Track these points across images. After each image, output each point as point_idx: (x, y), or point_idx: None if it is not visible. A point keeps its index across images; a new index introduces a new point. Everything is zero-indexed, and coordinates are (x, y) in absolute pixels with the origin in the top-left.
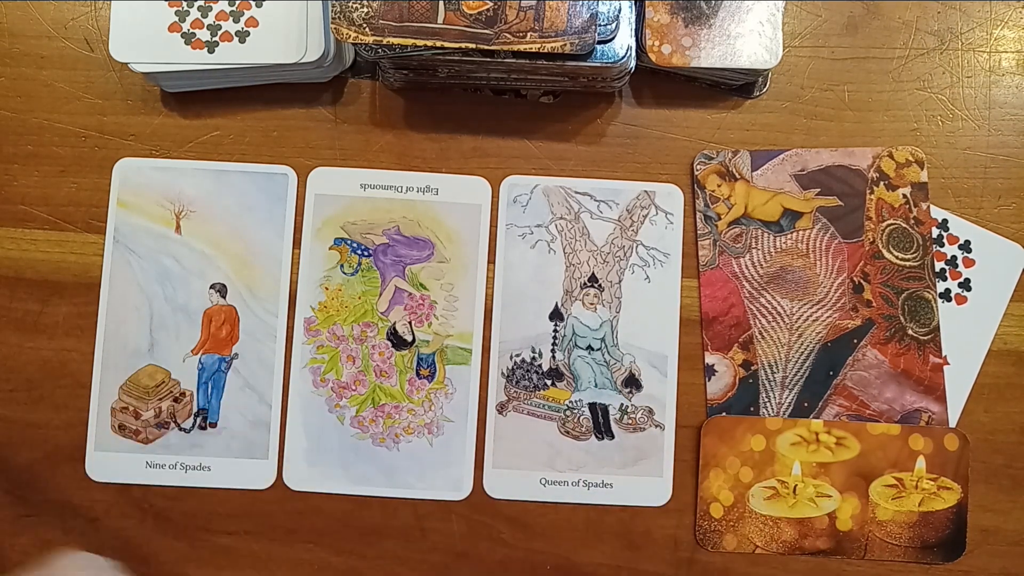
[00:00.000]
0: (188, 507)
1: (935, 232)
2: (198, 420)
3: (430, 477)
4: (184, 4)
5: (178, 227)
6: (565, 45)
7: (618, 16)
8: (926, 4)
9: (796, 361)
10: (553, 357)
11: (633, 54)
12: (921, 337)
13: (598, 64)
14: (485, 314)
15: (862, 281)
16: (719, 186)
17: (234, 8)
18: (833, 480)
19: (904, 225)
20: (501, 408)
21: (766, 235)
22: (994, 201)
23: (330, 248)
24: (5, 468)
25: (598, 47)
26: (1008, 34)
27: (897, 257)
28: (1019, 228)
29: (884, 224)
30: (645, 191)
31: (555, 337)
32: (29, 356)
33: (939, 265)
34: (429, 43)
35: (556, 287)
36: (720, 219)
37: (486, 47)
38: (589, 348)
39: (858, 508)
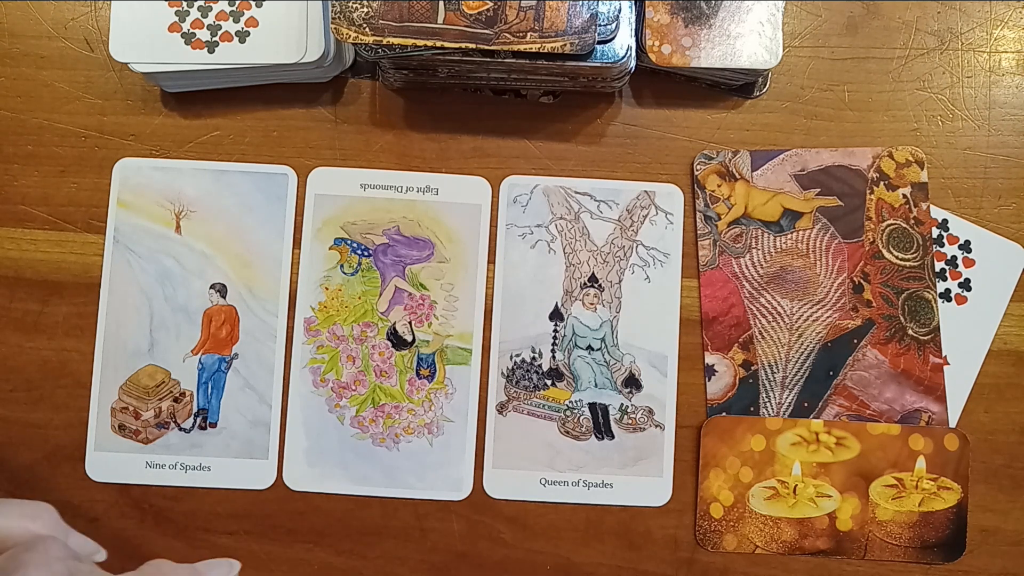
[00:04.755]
0: (188, 507)
1: (935, 232)
2: (198, 420)
3: (430, 477)
4: (184, 4)
5: (178, 227)
6: (565, 45)
7: (618, 16)
8: (926, 4)
9: (796, 361)
10: (553, 357)
11: (633, 54)
12: (921, 337)
13: (598, 64)
14: (485, 314)
15: (862, 281)
16: (719, 186)
17: (234, 8)
18: (833, 480)
19: (904, 225)
20: (501, 408)
21: (766, 235)
22: (994, 201)
23: (330, 248)
24: (5, 468)
25: (598, 47)
26: (1008, 34)
27: (897, 257)
28: (1019, 228)
29: (884, 224)
30: (645, 191)
31: (555, 337)
32: (29, 356)
33: (939, 265)
34: (429, 43)
35: (556, 287)
36: (720, 219)
37: (486, 47)
38: (589, 348)
39: (858, 508)
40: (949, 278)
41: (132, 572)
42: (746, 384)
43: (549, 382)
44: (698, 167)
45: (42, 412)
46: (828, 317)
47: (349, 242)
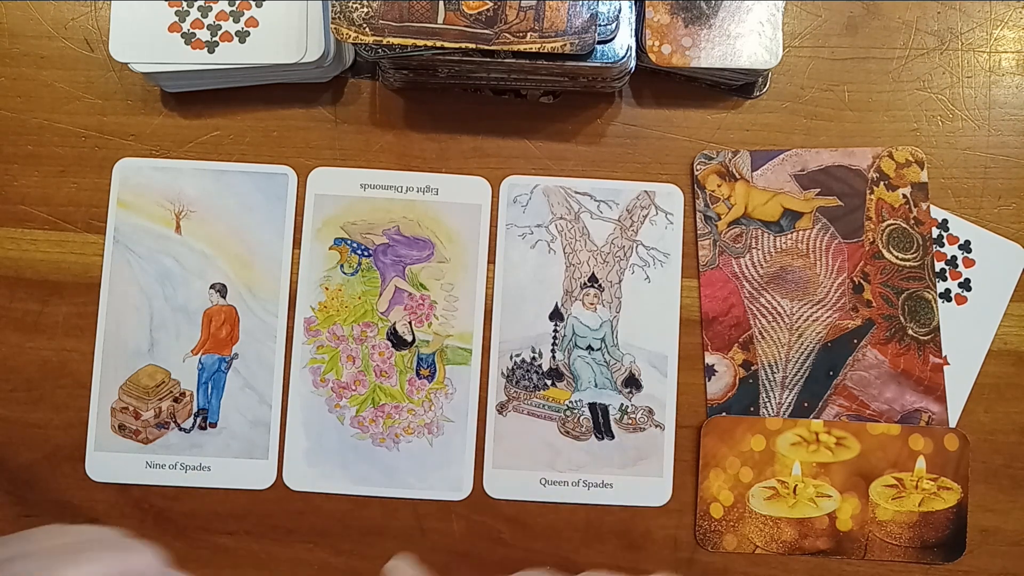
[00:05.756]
0: (188, 507)
1: (935, 232)
2: (198, 420)
3: (430, 477)
4: (184, 4)
5: (178, 227)
6: (565, 45)
7: (618, 16)
8: (926, 4)
9: (796, 361)
10: (553, 357)
11: (633, 54)
12: (921, 337)
13: (598, 64)
14: (485, 314)
15: (862, 281)
16: (719, 186)
17: (234, 8)
18: (833, 480)
19: (904, 225)
20: (501, 408)
21: (766, 235)
22: (994, 201)
23: (330, 248)
24: (5, 468)
25: (598, 47)
26: (1008, 34)
27: (897, 257)
28: (1019, 228)
29: (884, 224)
30: (645, 191)
31: (555, 337)
32: (29, 356)
33: (939, 265)
34: (429, 43)
35: (556, 287)
36: (720, 219)
37: (486, 47)
38: (589, 348)
39: (858, 508)
40: (949, 278)
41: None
42: (746, 384)
43: (549, 382)
44: (698, 167)
45: (42, 412)
46: (828, 317)
47: (349, 242)
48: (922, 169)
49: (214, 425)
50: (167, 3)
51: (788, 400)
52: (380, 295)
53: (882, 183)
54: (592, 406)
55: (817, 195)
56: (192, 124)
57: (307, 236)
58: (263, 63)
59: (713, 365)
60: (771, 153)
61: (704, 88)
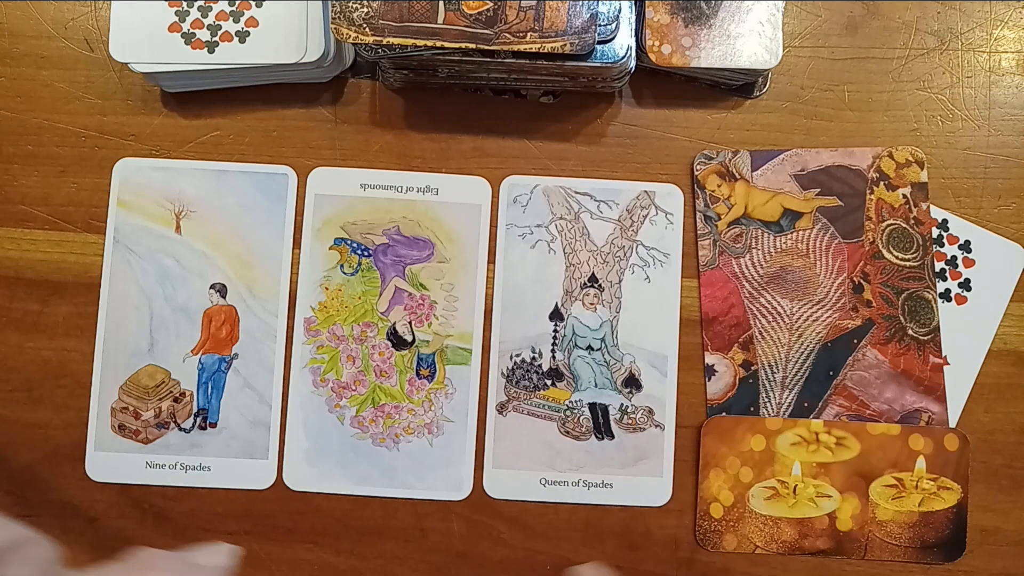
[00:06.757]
0: (188, 507)
1: (935, 232)
2: (198, 420)
3: (430, 477)
4: (184, 4)
5: (178, 227)
6: (565, 45)
7: (618, 16)
8: (926, 4)
9: (796, 361)
10: (553, 357)
11: (633, 54)
12: (921, 337)
13: (598, 64)
14: (485, 314)
15: (862, 281)
16: (719, 186)
17: (234, 8)
18: (833, 480)
19: (904, 225)
20: (501, 408)
21: (766, 235)
22: (994, 201)
23: (330, 248)
24: (5, 468)
25: (598, 47)
26: (1008, 34)
27: (897, 257)
28: (1019, 228)
29: (884, 224)
30: (645, 191)
31: (555, 337)
32: (29, 356)
33: (939, 265)
34: (429, 43)
35: (556, 287)
36: (720, 219)
37: (486, 47)
38: (589, 348)
39: (858, 508)
40: (949, 278)
41: (117, 564)
42: (746, 384)
43: (549, 382)
44: (698, 167)
45: (42, 412)
46: (828, 317)
47: (349, 242)
48: (922, 169)
49: (214, 425)
50: (167, 3)
51: (788, 400)
52: (380, 295)
53: (882, 183)
54: (592, 406)
55: (817, 195)
56: (192, 124)
57: (307, 236)
58: (263, 63)
59: (713, 365)
60: (771, 153)
61: (704, 88)
